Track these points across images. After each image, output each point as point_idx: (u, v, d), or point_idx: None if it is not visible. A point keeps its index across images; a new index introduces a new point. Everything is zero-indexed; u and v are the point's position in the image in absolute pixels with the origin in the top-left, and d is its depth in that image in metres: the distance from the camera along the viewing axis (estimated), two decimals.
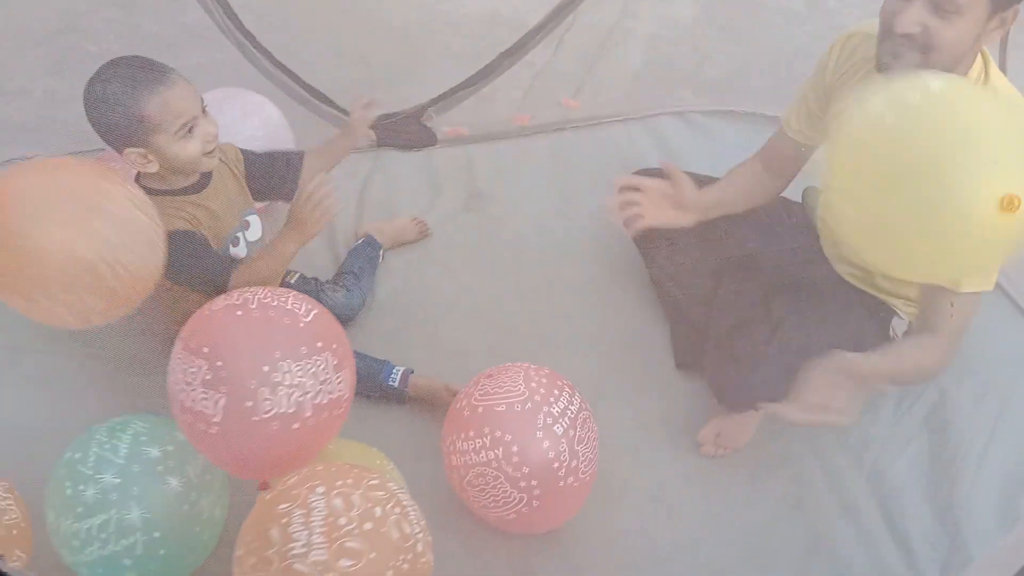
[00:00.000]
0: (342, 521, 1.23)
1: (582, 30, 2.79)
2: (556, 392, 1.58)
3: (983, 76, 1.57)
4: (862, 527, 1.74)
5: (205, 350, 1.35)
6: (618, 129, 2.58)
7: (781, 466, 1.83)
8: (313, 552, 1.20)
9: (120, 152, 1.63)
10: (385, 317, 2.09)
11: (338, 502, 1.25)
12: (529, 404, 1.54)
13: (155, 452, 1.50)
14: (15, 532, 1.49)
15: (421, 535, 1.32)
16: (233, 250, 1.81)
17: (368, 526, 1.24)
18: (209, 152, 1.67)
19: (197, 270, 1.68)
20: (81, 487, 1.44)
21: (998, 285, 1.91)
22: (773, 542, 1.73)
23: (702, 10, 3.02)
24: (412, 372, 1.89)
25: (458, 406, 1.61)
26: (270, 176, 1.88)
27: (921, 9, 1.43)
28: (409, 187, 2.40)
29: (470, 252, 2.24)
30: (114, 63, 1.58)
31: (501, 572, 1.67)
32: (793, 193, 2.02)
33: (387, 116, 2.48)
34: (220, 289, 1.63)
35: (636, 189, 1.82)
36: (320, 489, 1.27)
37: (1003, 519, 1.73)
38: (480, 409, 1.55)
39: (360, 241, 2.20)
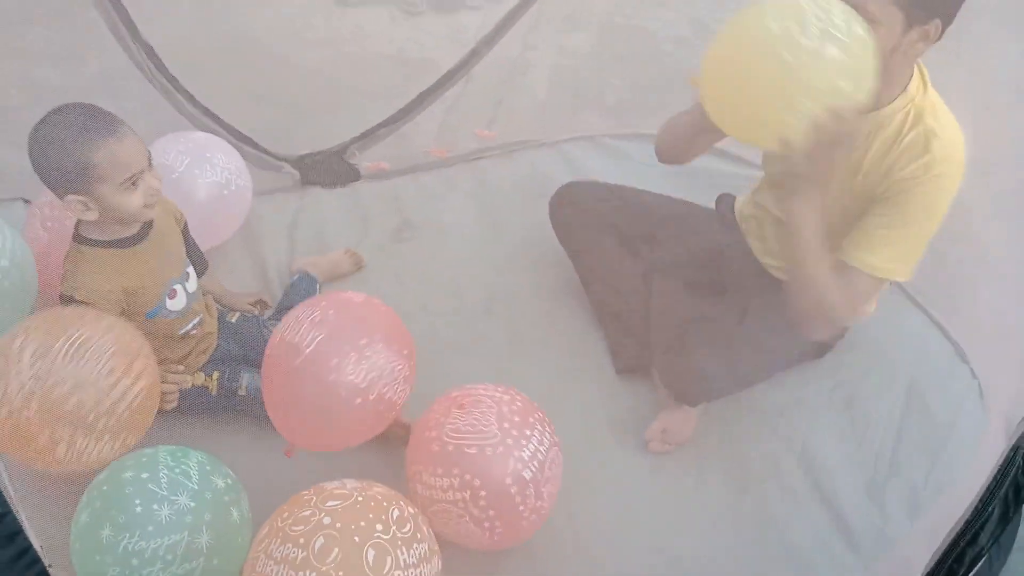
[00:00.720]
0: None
1: (487, 64, 2.89)
2: (528, 432, 1.56)
3: (922, 89, 1.61)
4: (800, 506, 1.86)
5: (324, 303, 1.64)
6: (532, 154, 2.71)
7: (723, 456, 1.94)
8: (348, 482, 1.46)
9: (61, 197, 1.62)
10: None
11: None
12: (501, 448, 1.53)
13: (220, 483, 1.52)
14: None
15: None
16: (169, 302, 1.80)
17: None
18: (150, 205, 1.68)
19: None
20: (155, 507, 1.43)
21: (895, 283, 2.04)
22: (724, 526, 1.83)
23: (598, 39, 3.18)
24: None
25: (427, 435, 1.59)
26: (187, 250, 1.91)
27: None
28: (338, 222, 2.44)
29: (407, 280, 2.29)
30: (65, 109, 1.58)
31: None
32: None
33: (309, 155, 2.52)
34: None
35: None
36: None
37: (924, 491, 1.87)
38: (451, 448, 1.54)
39: (295, 277, 2.21)
